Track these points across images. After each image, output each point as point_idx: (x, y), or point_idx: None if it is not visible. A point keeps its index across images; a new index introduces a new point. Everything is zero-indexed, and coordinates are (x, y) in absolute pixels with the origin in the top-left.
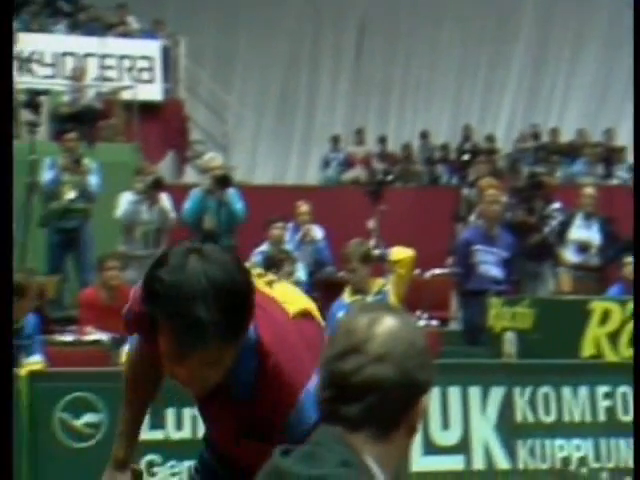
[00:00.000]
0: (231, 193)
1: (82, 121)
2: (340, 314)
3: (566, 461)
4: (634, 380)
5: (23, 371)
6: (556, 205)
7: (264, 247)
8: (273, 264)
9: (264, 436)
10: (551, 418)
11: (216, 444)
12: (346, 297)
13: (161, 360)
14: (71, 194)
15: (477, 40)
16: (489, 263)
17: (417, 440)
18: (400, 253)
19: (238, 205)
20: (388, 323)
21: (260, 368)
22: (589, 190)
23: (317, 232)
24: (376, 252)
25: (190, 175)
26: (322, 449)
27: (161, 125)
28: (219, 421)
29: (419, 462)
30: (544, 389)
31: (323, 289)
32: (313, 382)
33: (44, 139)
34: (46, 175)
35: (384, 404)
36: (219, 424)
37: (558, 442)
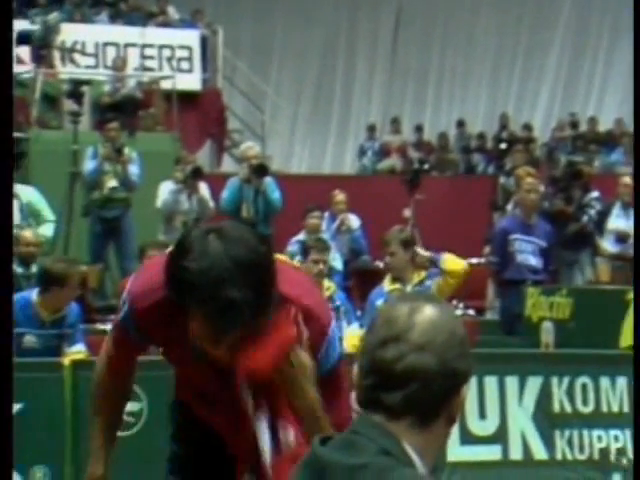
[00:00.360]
0: (268, 182)
1: (123, 111)
2: (379, 302)
3: (604, 452)
4: (634, 373)
5: (66, 360)
6: (595, 194)
7: (301, 236)
8: (307, 252)
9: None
10: (589, 408)
11: (217, 428)
12: (385, 285)
13: (134, 367)
14: (112, 183)
15: (514, 28)
16: (527, 252)
17: (454, 430)
18: (454, 263)
19: (275, 194)
20: (428, 312)
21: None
22: (627, 180)
23: (353, 221)
24: (427, 254)
25: (228, 164)
26: (361, 438)
27: (200, 114)
28: (236, 392)
29: (455, 452)
30: (582, 379)
31: (359, 278)
32: (334, 319)
33: (86, 129)
34: (88, 165)
35: (425, 393)
36: (234, 398)
37: (596, 432)
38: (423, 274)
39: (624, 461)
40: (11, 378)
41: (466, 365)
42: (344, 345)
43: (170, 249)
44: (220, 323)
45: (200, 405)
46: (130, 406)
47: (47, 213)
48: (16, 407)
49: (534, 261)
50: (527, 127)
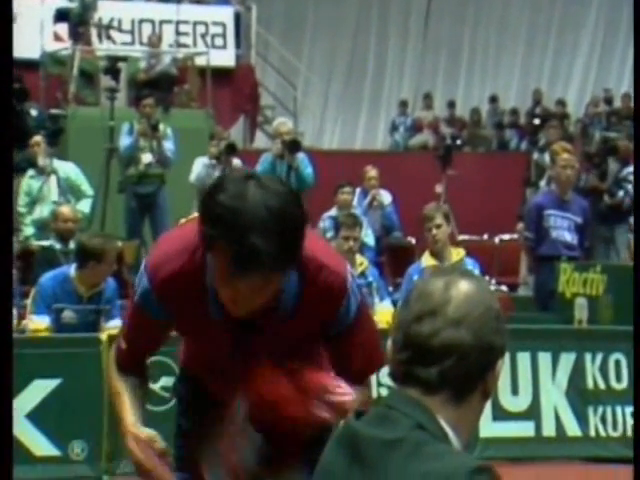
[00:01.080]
0: (301, 158)
1: (158, 87)
2: (416, 278)
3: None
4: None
5: (104, 335)
6: (632, 168)
7: (332, 212)
8: (339, 229)
9: (305, 358)
10: (623, 385)
11: (228, 398)
12: (423, 261)
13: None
14: (148, 159)
15: (548, 2)
16: (562, 228)
17: (486, 406)
18: None
19: (308, 170)
20: (464, 287)
21: (305, 277)
22: None
23: (385, 197)
24: None
25: (260, 140)
26: (396, 412)
27: (233, 90)
28: (254, 355)
29: (488, 428)
30: (615, 355)
31: (391, 254)
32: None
33: (122, 105)
34: (123, 141)
35: (461, 368)
36: (252, 360)
37: (630, 409)
38: (462, 252)
39: None
40: (11, 369)
41: (501, 340)
42: (376, 319)
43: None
44: (239, 267)
45: (212, 378)
46: (165, 381)
47: (86, 188)
48: (54, 382)
49: (569, 237)
50: (561, 103)
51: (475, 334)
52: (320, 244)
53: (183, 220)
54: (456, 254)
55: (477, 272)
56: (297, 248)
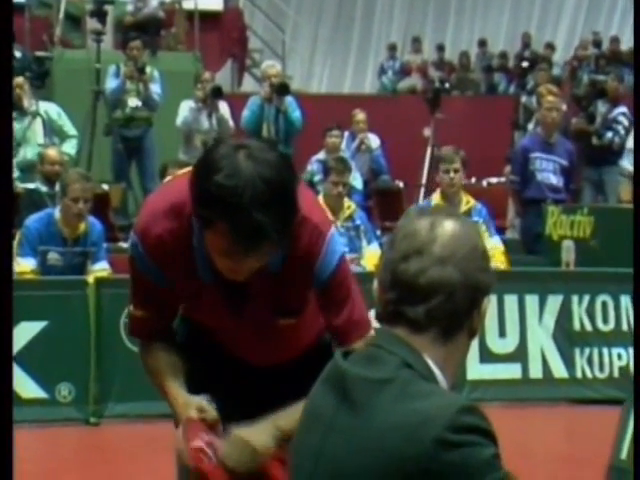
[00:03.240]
0: (289, 101)
1: (145, 30)
2: None
3: (624, 370)
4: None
5: (90, 278)
6: (622, 109)
7: (321, 155)
8: (328, 173)
9: (297, 311)
10: (609, 327)
11: (232, 351)
12: (434, 200)
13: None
14: (134, 102)
15: None
16: (547, 171)
17: (473, 348)
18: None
19: (296, 113)
20: (449, 226)
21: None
22: None
23: (373, 141)
24: None
25: (248, 84)
26: (383, 351)
27: (221, 34)
28: (249, 314)
29: (475, 370)
30: (602, 297)
31: (379, 197)
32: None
33: (109, 48)
34: (110, 83)
35: (448, 306)
36: (248, 319)
37: (616, 351)
38: (472, 201)
39: None
40: (11, 312)
41: (487, 278)
42: (363, 263)
43: (191, 167)
44: (246, 243)
45: (212, 332)
46: None
47: (69, 128)
48: (41, 325)
49: (555, 180)
50: (550, 46)
51: (462, 272)
52: (304, 197)
53: (169, 177)
54: (466, 202)
55: (482, 220)
56: (295, 212)
